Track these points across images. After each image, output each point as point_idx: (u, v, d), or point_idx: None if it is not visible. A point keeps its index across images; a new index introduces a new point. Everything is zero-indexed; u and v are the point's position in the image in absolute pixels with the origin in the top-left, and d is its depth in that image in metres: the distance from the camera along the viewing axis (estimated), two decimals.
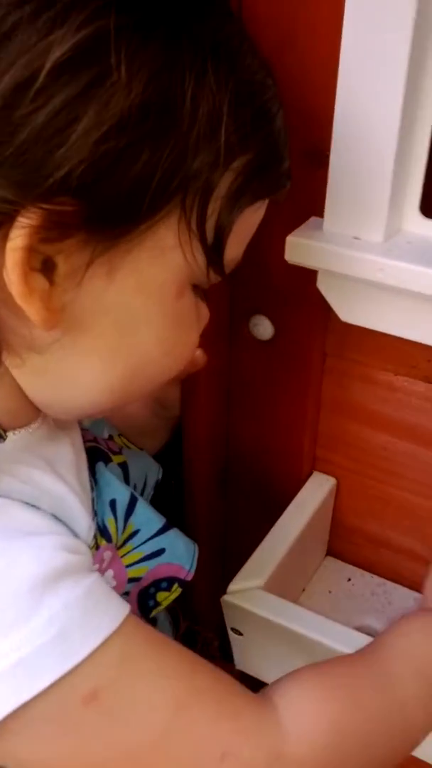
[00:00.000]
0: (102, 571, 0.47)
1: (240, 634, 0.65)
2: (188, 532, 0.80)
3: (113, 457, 0.54)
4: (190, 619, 0.75)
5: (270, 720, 0.42)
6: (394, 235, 0.56)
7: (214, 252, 0.41)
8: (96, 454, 0.52)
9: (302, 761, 0.42)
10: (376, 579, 0.78)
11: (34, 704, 0.36)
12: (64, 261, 0.37)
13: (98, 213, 0.36)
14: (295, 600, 0.72)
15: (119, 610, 0.39)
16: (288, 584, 0.68)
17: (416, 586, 0.76)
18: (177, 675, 0.41)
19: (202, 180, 0.38)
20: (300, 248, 0.56)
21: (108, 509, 0.49)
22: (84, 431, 0.53)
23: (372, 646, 0.50)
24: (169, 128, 0.36)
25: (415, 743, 0.47)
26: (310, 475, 0.75)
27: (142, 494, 0.58)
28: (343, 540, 0.78)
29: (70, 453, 0.48)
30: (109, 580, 0.48)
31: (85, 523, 0.45)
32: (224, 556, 0.83)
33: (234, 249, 0.43)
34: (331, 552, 0.80)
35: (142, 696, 0.39)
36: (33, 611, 0.36)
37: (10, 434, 0.44)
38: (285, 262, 0.57)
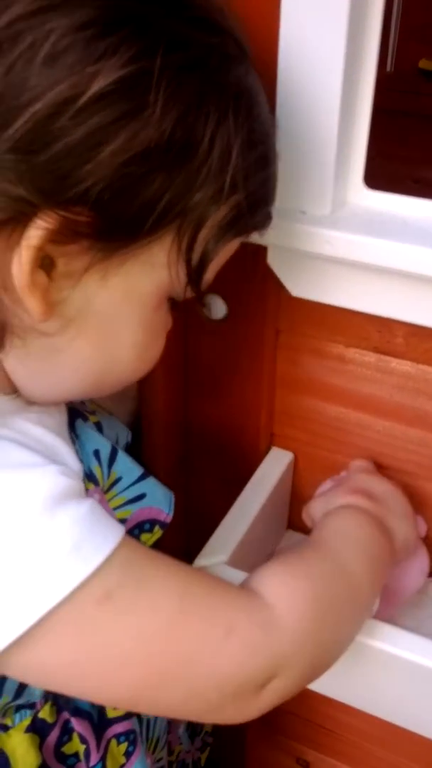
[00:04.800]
0: None
1: None
2: None
3: (89, 417, 0.58)
4: None
5: (256, 598, 0.48)
6: (340, 207, 0.57)
7: (196, 273, 0.45)
8: (74, 413, 0.55)
9: (292, 627, 0.48)
10: None
11: (55, 610, 0.40)
12: (65, 263, 0.41)
13: (107, 226, 0.40)
14: None
15: (117, 526, 0.44)
16: (251, 558, 0.69)
17: None
18: (174, 572, 0.46)
19: (200, 210, 0.43)
20: None
21: (93, 458, 0.53)
22: None
23: (310, 541, 0.57)
24: (185, 162, 0.41)
25: (369, 605, 0.56)
26: (268, 450, 0.76)
27: None
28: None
29: (53, 411, 0.52)
30: None
31: (76, 468, 0.49)
32: (188, 536, 0.83)
33: (211, 272, 0.48)
34: (292, 525, 0.81)
35: (149, 590, 0.44)
36: (48, 528, 0.41)
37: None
38: None
